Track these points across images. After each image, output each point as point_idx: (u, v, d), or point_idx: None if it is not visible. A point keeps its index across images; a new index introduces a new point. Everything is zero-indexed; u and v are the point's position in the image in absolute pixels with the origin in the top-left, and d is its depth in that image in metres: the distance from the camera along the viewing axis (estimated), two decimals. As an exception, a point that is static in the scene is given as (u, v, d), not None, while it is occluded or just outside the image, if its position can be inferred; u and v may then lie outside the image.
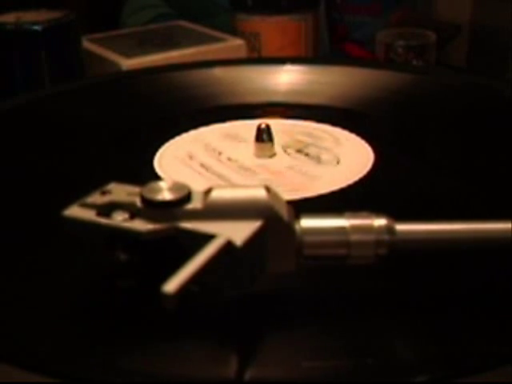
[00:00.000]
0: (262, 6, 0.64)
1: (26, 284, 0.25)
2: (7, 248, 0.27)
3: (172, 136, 0.37)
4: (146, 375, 0.20)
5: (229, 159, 0.35)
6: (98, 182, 0.23)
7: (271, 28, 0.65)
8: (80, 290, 0.24)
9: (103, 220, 0.22)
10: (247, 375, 0.20)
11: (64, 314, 0.23)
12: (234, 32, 0.66)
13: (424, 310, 0.23)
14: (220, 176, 0.33)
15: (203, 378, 0.20)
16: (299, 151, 0.35)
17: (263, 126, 0.35)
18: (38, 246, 0.27)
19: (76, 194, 0.23)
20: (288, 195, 0.24)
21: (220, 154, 0.35)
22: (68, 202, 0.23)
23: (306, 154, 0.35)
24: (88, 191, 0.23)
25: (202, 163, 0.34)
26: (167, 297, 0.18)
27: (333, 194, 0.31)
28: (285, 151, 0.35)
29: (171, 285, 0.19)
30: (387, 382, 0.20)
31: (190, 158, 0.35)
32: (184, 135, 0.38)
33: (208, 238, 0.21)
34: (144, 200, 0.22)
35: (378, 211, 0.23)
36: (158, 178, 0.32)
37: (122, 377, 0.20)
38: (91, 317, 0.23)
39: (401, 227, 0.23)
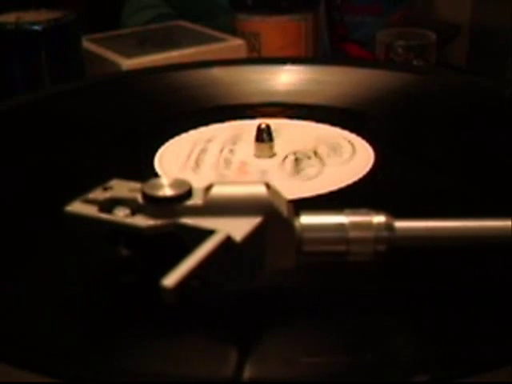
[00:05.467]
0: (262, 6, 0.64)
1: (27, 282, 0.25)
2: (8, 246, 0.27)
3: (172, 136, 0.37)
4: (146, 374, 0.20)
5: (228, 159, 0.35)
6: (98, 183, 0.24)
7: (271, 28, 0.65)
8: (81, 287, 0.24)
9: (105, 216, 0.22)
10: (246, 372, 0.20)
11: (64, 311, 0.23)
12: (234, 32, 0.66)
13: (424, 310, 0.23)
14: (220, 175, 0.33)
15: (202, 375, 0.20)
16: (299, 151, 0.35)
17: (263, 125, 0.35)
18: (39, 243, 0.27)
19: (75, 194, 0.23)
20: (289, 195, 0.24)
21: (220, 153, 0.35)
22: (66, 202, 0.23)
23: (306, 154, 0.35)
24: (87, 191, 0.23)
25: (201, 163, 0.34)
26: (166, 291, 0.19)
27: (332, 193, 0.31)
28: (285, 151, 0.35)
29: (170, 279, 0.19)
30: (387, 382, 0.20)
31: (190, 157, 0.35)
32: (184, 135, 0.38)
33: (208, 233, 0.21)
34: (145, 196, 0.22)
35: (378, 211, 0.23)
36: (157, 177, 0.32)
37: (121, 376, 0.20)
38: (91, 315, 0.23)
39: (400, 224, 0.23)
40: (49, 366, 0.20)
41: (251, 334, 0.22)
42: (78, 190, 0.23)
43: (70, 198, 0.23)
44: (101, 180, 0.24)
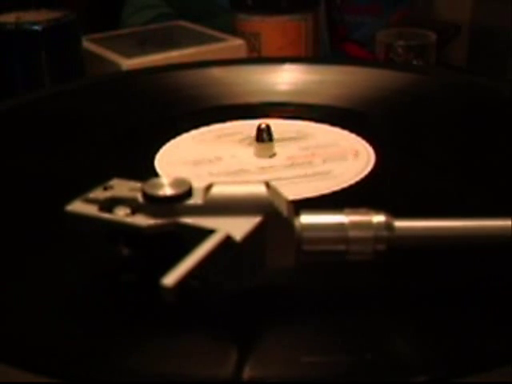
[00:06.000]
0: (262, 6, 0.64)
1: (27, 282, 0.25)
2: (8, 246, 0.27)
3: (172, 136, 0.37)
4: (145, 374, 0.20)
5: (229, 159, 0.35)
6: (98, 183, 0.24)
7: (271, 28, 0.65)
8: (81, 286, 0.24)
9: (105, 215, 0.22)
10: (246, 372, 0.20)
11: (64, 311, 0.23)
12: (234, 32, 0.66)
13: (424, 310, 0.23)
14: (220, 175, 0.33)
15: (202, 375, 0.20)
16: (299, 151, 0.35)
17: (263, 125, 0.35)
18: (39, 242, 0.27)
19: (75, 194, 0.23)
20: (290, 195, 0.24)
21: (220, 154, 0.35)
22: (66, 202, 0.23)
23: (306, 154, 0.35)
24: (87, 191, 0.23)
25: (202, 163, 0.34)
26: (166, 290, 0.19)
27: (334, 194, 0.31)
28: (284, 151, 0.35)
29: (170, 278, 0.19)
30: (387, 382, 0.20)
31: (191, 158, 0.35)
32: (185, 135, 0.38)
33: (208, 233, 0.21)
34: (145, 195, 0.22)
35: (378, 210, 0.23)
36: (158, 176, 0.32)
37: (121, 376, 0.20)
38: (91, 315, 0.23)
39: (399, 224, 0.23)
40: (49, 366, 0.20)
41: (251, 333, 0.22)
42: (78, 190, 0.23)
43: (70, 198, 0.23)
44: (101, 180, 0.24)
